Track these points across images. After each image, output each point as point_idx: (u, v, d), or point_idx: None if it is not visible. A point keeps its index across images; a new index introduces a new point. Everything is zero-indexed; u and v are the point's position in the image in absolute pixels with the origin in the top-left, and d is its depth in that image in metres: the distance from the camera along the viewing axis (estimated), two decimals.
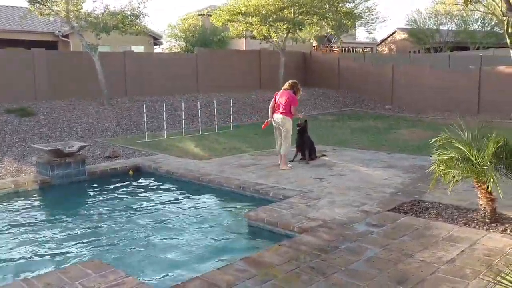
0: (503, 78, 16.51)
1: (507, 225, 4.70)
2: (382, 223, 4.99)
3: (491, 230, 4.63)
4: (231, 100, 15.63)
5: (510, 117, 15.10)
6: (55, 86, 15.35)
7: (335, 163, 8.49)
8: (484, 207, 4.88)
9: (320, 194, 6.29)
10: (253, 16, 19.49)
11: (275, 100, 8.17)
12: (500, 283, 2.43)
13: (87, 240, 5.23)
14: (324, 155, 9.07)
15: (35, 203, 6.80)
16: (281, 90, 8.23)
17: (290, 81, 8.29)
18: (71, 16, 15.03)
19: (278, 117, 8.08)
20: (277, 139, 8.37)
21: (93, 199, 7.12)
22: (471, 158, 4.65)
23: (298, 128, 8.53)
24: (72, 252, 4.88)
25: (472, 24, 33.12)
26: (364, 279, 3.63)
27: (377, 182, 6.91)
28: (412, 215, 5.25)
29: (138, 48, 23.77)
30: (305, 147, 8.60)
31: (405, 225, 4.91)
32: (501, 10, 14.75)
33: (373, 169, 7.87)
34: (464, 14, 31.21)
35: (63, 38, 23.23)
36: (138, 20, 16.29)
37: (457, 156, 4.74)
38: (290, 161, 8.38)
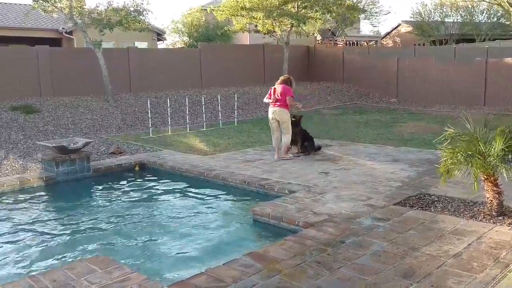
0: (509, 70, 16.36)
1: None
2: (388, 217, 4.96)
3: (498, 223, 4.59)
4: (235, 95, 15.61)
5: None
6: (59, 83, 15.39)
7: (341, 157, 8.45)
8: (491, 200, 4.84)
9: (326, 188, 6.26)
10: (257, 11, 19.41)
11: (270, 94, 8.39)
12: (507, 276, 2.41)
13: (93, 236, 5.24)
14: (319, 147, 9.04)
15: (41, 200, 6.82)
16: (275, 85, 8.43)
17: (283, 76, 8.66)
18: (74, 13, 15.02)
19: (274, 110, 8.29)
20: (273, 133, 8.51)
21: (98, 196, 7.13)
22: (477, 154, 4.60)
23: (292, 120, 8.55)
24: (78, 248, 4.89)
25: (477, 15, 32.85)
26: (370, 273, 3.61)
27: (383, 176, 6.88)
28: (418, 208, 5.22)
29: (142, 44, 23.77)
30: (297, 139, 8.65)
31: (411, 218, 4.88)
32: (507, 1, 14.58)
33: (379, 163, 7.83)
34: (470, 6, 30.95)
35: (66, 35, 23.28)
36: (141, 17, 16.27)
37: (463, 153, 4.68)
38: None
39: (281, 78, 8.55)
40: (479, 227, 4.54)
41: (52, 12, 15.35)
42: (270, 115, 8.40)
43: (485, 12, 32.26)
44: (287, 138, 8.32)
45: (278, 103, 8.24)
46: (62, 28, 22.87)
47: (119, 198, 6.79)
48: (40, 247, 4.94)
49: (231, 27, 21.16)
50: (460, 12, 32.77)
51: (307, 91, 19.54)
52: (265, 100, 8.55)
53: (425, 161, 7.78)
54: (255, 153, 9.11)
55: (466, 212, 4.97)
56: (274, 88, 8.36)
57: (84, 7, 15.39)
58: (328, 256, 3.97)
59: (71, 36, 23.23)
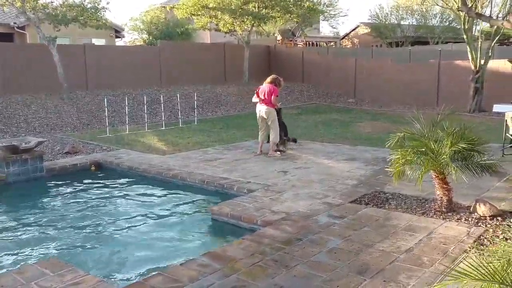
0: (460, 71, 17.06)
1: (462, 214, 4.87)
2: (344, 214, 5.07)
3: (448, 219, 4.78)
4: (195, 93, 15.49)
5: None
6: (11, 80, 14.76)
7: (300, 156, 8.56)
8: (441, 197, 5.04)
9: (284, 187, 6.32)
10: (218, 10, 19.36)
11: (257, 93, 8.61)
12: (454, 270, 2.51)
13: (45, 238, 5.07)
14: (295, 140, 9.35)
15: None
16: (264, 84, 8.66)
17: (271, 76, 8.88)
18: (27, 7, 14.45)
19: (262, 108, 8.53)
20: (260, 129, 8.74)
21: (50, 197, 6.89)
22: (428, 151, 4.77)
23: None
24: (29, 251, 4.72)
25: (431, 19, 34.09)
26: (326, 270, 3.68)
27: (340, 174, 7.01)
28: (373, 206, 5.36)
29: (99, 41, 23.19)
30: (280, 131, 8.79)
31: (366, 216, 5.01)
32: (457, 6, 15.20)
33: (336, 162, 7.98)
34: (424, 9, 32.05)
35: (19, 30, 22.35)
36: (98, 14, 15.84)
37: (414, 150, 4.85)
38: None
39: (269, 78, 8.75)
40: (430, 223, 4.71)
41: (3, 6, 14.72)
42: (257, 113, 8.63)
43: (438, 16, 33.52)
44: (274, 135, 8.53)
45: (264, 102, 8.45)
46: (14, 23, 21.93)
47: (73, 199, 6.59)
48: None
49: (192, 25, 21.01)
50: (415, 15, 33.91)
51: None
52: (253, 99, 8.76)
53: (380, 159, 7.99)
54: (215, 152, 9.08)
55: (418, 209, 5.15)
56: (260, 88, 8.58)
57: (38, 1, 14.81)
58: (285, 254, 4.01)
59: (23, 31, 22.32)
